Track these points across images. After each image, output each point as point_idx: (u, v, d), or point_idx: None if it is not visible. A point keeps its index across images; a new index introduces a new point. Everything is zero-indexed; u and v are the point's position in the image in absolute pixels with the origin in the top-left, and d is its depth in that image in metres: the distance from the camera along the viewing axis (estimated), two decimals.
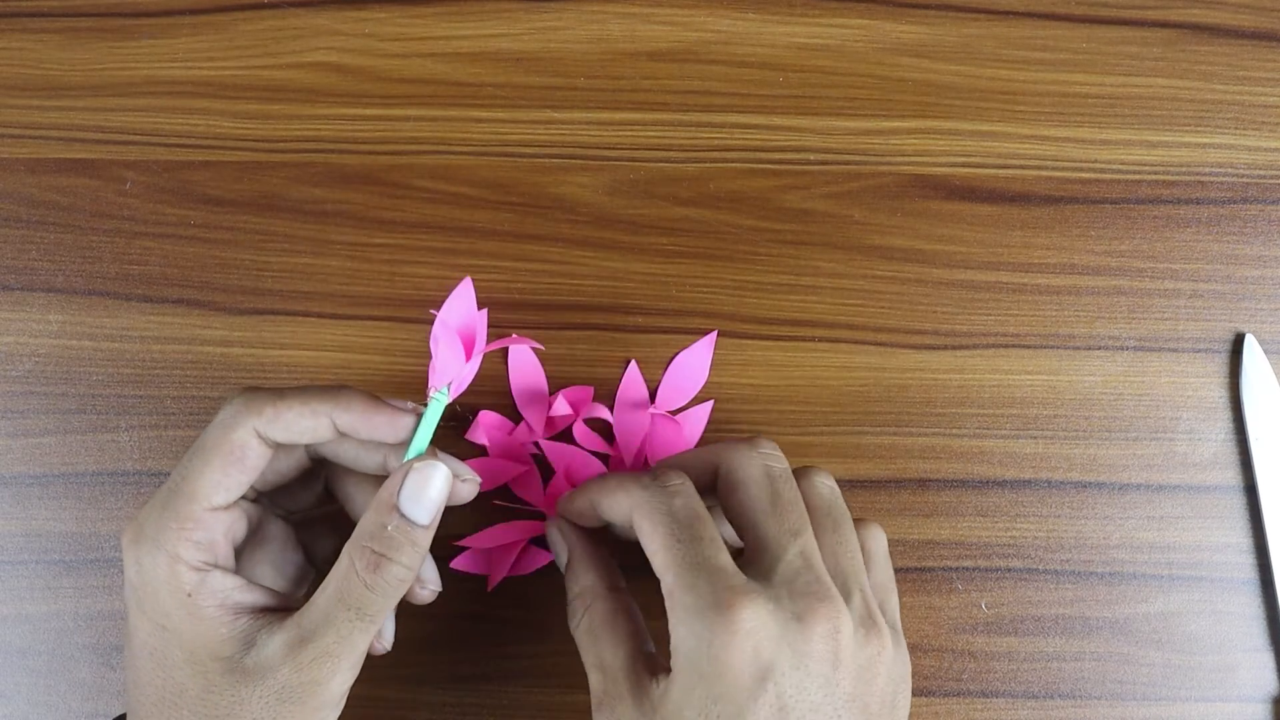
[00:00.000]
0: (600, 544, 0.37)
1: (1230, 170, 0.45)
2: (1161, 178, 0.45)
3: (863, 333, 0.44)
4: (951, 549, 0.43)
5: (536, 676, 0.42)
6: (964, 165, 0.44)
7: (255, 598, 0.34)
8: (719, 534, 0.33)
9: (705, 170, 0.44)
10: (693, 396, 0.43)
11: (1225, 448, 0.43)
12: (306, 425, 0.34)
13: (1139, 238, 0.44)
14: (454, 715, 0.42)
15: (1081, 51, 0.45)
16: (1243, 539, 0.43)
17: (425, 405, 0.36)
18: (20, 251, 0.44)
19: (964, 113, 0.45)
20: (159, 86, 0.45)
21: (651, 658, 0.34)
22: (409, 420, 0.35)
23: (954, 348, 0.44)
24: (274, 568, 0.37)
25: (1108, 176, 0.45)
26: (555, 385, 0.43)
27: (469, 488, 0.36)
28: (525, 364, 0.42)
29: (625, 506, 0.34)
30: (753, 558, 0.33)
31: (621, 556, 0.37)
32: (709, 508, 0.34)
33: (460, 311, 0.41)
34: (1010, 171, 0.44)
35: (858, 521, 0.35)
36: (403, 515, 0.34)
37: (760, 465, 0.34)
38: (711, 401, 0.43)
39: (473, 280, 0.43)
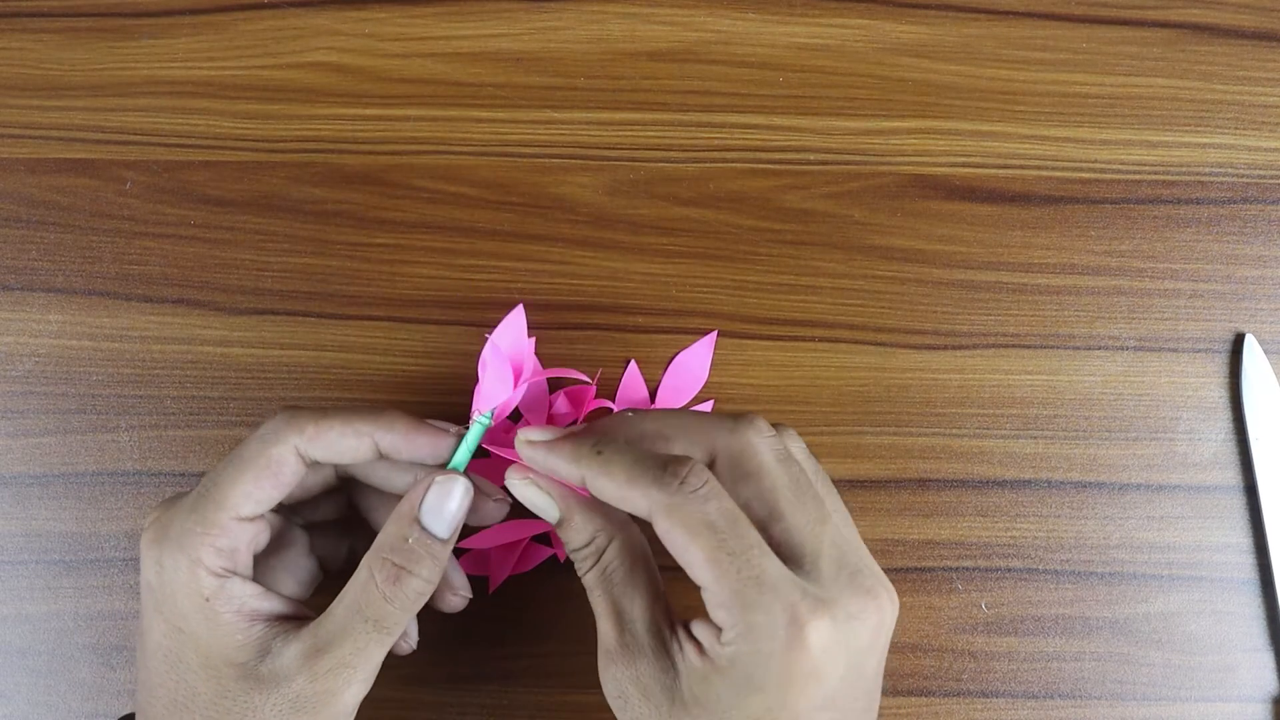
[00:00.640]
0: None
1: (1230, 170, 0.45)
2: (1161, 178, 0.45)
3: (863, 333, 0.44)
4: (951, 549, 0.43)
5: (536, 676, 0.42)
6: (964, 165, 0.44)
7: (272, 605, 0.34)
8: (757, 532, 0.31)
9: (705, 170, 0.44)
10: (693, 396, 0.43)
11: (1225, 448, 0.43)
12: (349, 445, 0.34)
13: (1139, 238, 0.44)
14: (454, 715, 0.42)
15: (1081, 51, 0.45)
16: (1243, 539, 0.43)
17: (464, 426, 0.36)
18: (20, 251, 0.44)
19: (964, 113, 0.45)
20: (159, 86, 0.45)
21: (668, 606, 0.33)
22: (449, 442, 0.35)
23: (954, 348, 0.44)
24: (287, 572, 0.37)
25: (1108, 176, 0.45)
26: (555, 385, 0.43)
27: (499, 507, 0.36)
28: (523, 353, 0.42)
29: (640, 506, 0.31)
30: (785, 552, 0.31)
31: None
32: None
33: (510, 337, 0.40)
34: (1010, 171, 0.44)
35: (777, 425, 0.34)
36: (424, 528, 0.34)
37: (770, 451, 0.33)
38: (711, 401, 0.43)
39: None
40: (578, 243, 0.44)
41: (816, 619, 0.30)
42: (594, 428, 0.35)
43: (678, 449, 0.33)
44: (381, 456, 0.35)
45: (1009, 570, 0.43)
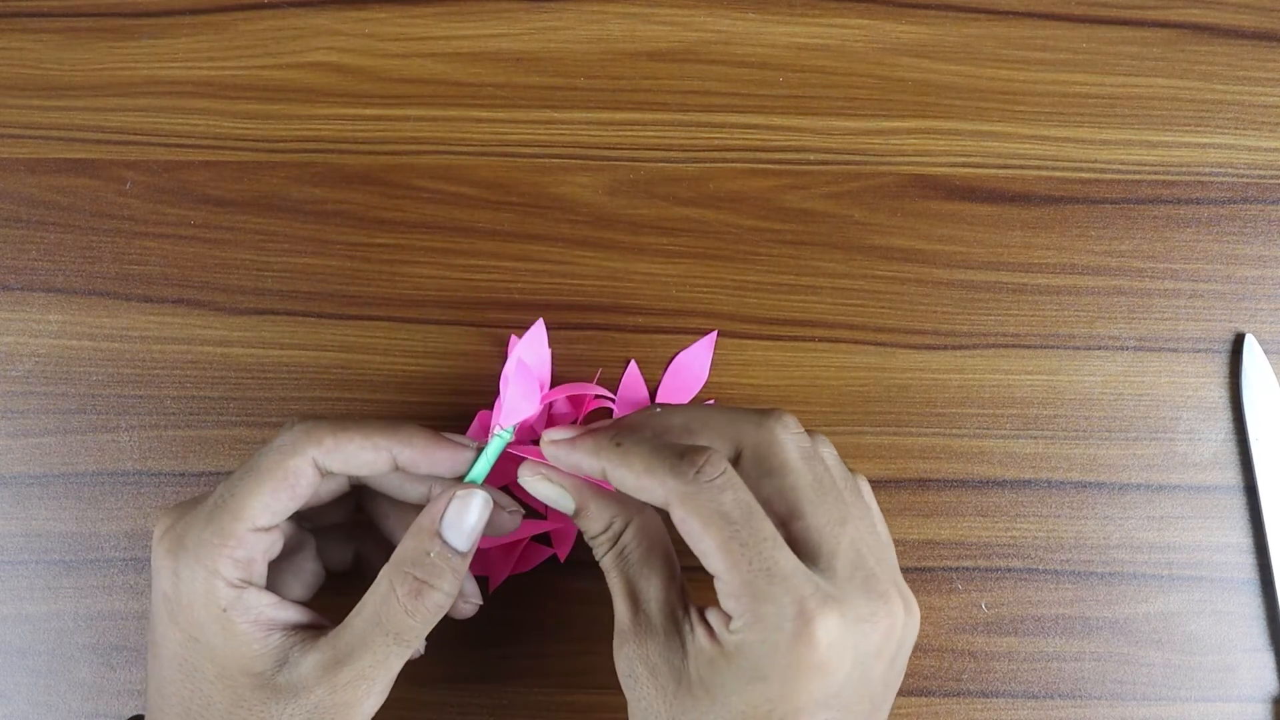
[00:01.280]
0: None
1: (1230, 170, 0.45)
2: (1161, 178, 0.45)
3: (863, 333, 0.44)
4: (951, 549, 0.43)
5: (536, 676, 0.42)
6: (964, 165, 0.44)
7: (288, 615, 0.34)
8: (772, 525, 0.31)
9: (705, 170, 0.44)
10: (693, 396, 0.43)
11: (1225, 448, 0.43)
12: (366, 458, 0.34)
13: (1139, 238, 0.44)
14: (454, 715, 0.42)
15: (1081, 51, 0.45)
16: (1243, 539, 0.43)
17: (477, 440, 0.36)
18: (20, 251, 0.44)
19: (964, 113, 0.45)
20: (159, 86, 0.45)
21: (684, 588, 0.33)
22: (468, 455, 0.35)
23: (954, 348, 0.44)
24: (294, 576, 0.38)
25: (1108, 176, 0.45)
26: (555, 385, 0.43)
27: (513, 519, 0.36)
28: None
29: (658, 495, 0.31)
30: (802, 549, 0.31)
31: None
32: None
33: (533, 352, 0.40)
34: (1010, 171, 0.44)
35: (809, 433, 0.35)
36: (444, 542, 0.34)
37: (795, 447, 0.33)
38: (712, 401, 0.43)
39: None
40: (578, 243, 0.44)
41: (825, 614, 0.30)
42: (618, 423, 0.36)
43: (703, 442, 0.33)
44: (397, 469, 0.35)
45: (1009, 570, 0.43)
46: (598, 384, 0.43)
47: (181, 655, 0.33)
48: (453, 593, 0.34)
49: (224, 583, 0.33)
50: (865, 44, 0.45)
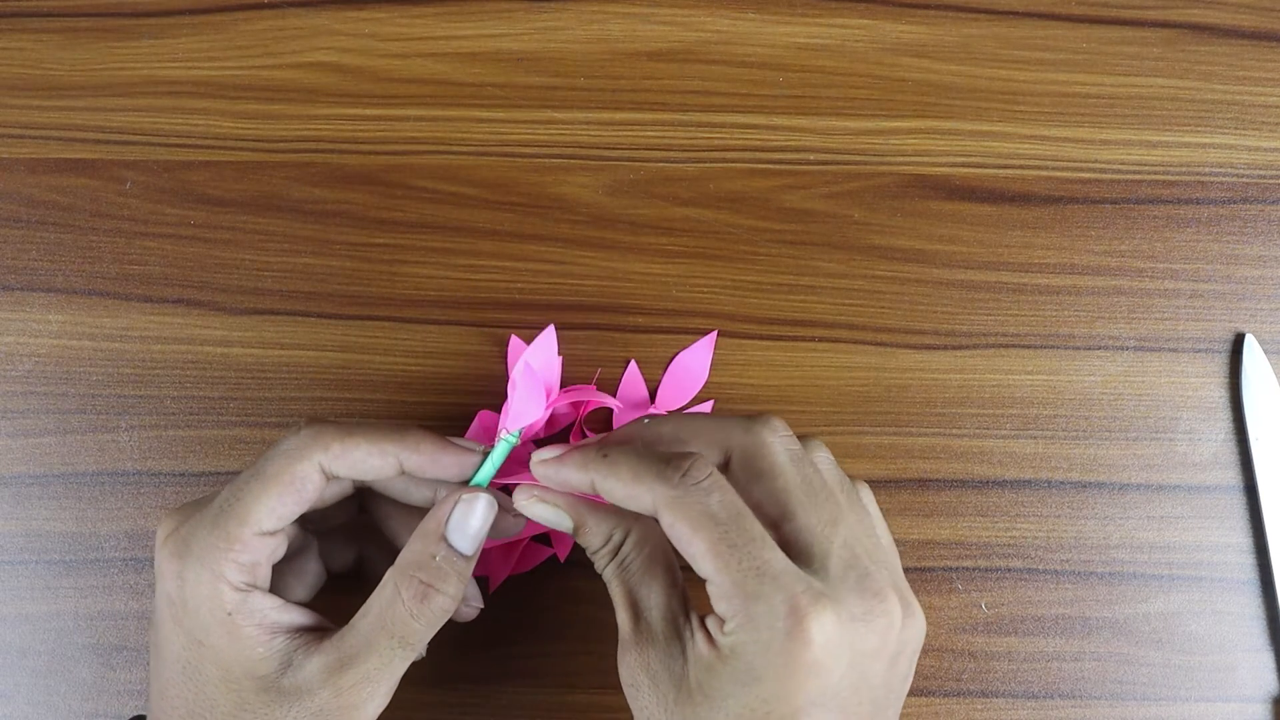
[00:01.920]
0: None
1: (1230, 170, 0.45)
2: (1161, 178, 0.45)
3: (863, 333, 0.44)
4: (951, 549, 0.43)
5: (536, 676, 0.42)
6: (964, 165, 0.44)
7: (292, 618, 0.34)
8: (761, 525, 0.31)
9: (705, 170, 0.44)
10: (693, 396, 0.43)
11: (1225, 448, 0.43)
12: (373, 464, 0.34)
13: (1139, 238, 0.44)
14: (454, 715, 0.42)
15: (1081, 51, 0.45)
16: (1243, 539, 0.43)
17: (482, 443, 0.36)
18: (20, 251, 0.44)
19: (964, 113, 0.45)
20: (159, 86, 0.45)
21: (685, 596, 0.33)
22: (474, 460, 0.35)
23: (954, 348, 0.44)
24: (296, 578, 0.38)
25: (1108, 176, 0.45)
26: (563, 389, 0.43)
27: (518, 522, 0.36)
28: None
29: (646, 502, 0.32)
30: (794, 551, 0.32)
31: None
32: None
33: (542, 358, 0.40)
34: (1010, 171, 0.44)
35: (804, 439, 0.35)
36: (450, 545, 0.34)
37: (783, 450, 0.33)
38: (712, 401, 0.43)
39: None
40: (578, 243, 0.44)
41: (819, 611, 0.30)
42: (606, 437, 0.36)
43: (691, 450, 0.33)
44: (403, 474, 0.35)
45: (1009, 570, 0.43)
46: (597, 383, 0.43)
47: (185, 658, 0.33)
48: (458, 596, 0.34)
49: (229, 586, 0.33)
50: (865, 44, 0.45)
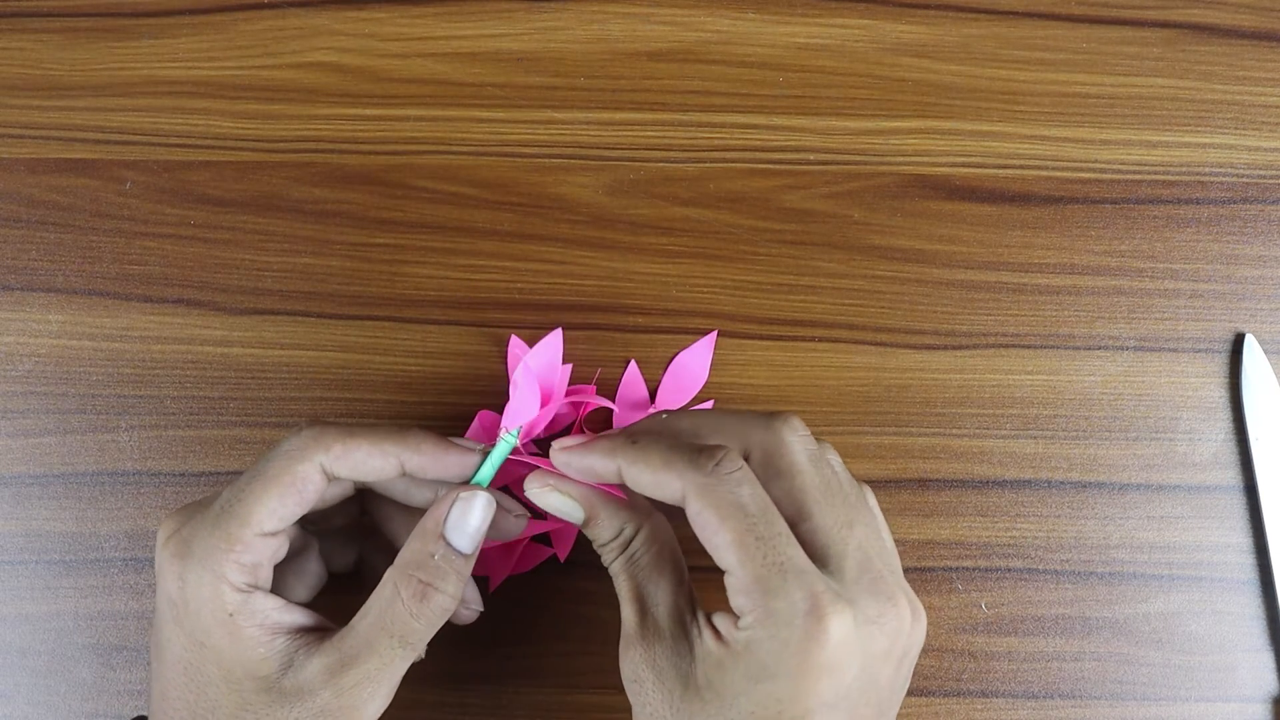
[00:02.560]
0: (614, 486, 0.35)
1: (1230, 170, 0.45)
2: (1161, 178, 0.45)
3: (863, 333, 0.44)
4: (951, 549, 0.43)
5: (536, 676, 0.42)
6: (964, 165, 0.44)
7: (293, 618, 0.34)
8: (785, 523, 0.31)
9: (705, 170, 0.44)
10: (693, 396, 0.43)
11: (1225, 448, 0.43)
12: (375, 465, 0.34)
13: (1139, 238, 0.44)
14: (454, 715, 0.42)
15: (1081, 51, 0.45)
16: (1243, 539, 0.43)
17: (482, 443, 0.36)
18: (20, 251, 0.44)
19: (964, 113, 0.45)
20: (159, 86, 0.45)
21: (692, 593, 0.33)
22: (475, 459, 0.35)
23: (954, 348, 0.44)
24: (296, 577, 0.38)
25: (1108, 176, 0.45)
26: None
27: (519, 523, 0.36)
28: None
29: (674, 489, 0.31)
30: (810, 552, 0.31)
31: None
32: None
33: (545, 359, 0.40)
34: (1010, 171, 0.44)
35: (774, 418, 0.34)
36: (448, 544, 0.34)
37: (803, 450, 0.33)
38: (712, 402, 0.43)
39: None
40: (578, 243, 0.44)
41: (837, 613, 0.30)
42: (627, 430, 0.36)
43: (714, 443, 0.33)
44: (404, 474, 0.35)
45: (1009, 570, 0.43)
46: (597, 383, 0.43)
47: (186, 659, 0.33)
48: (457, 595, 0.34)
49: (230, 587, 0.33)
50: (865, 44, 0.45)
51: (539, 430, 0.42)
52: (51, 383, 0.43)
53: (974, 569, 0.43)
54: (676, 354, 0.43)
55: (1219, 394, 0.44)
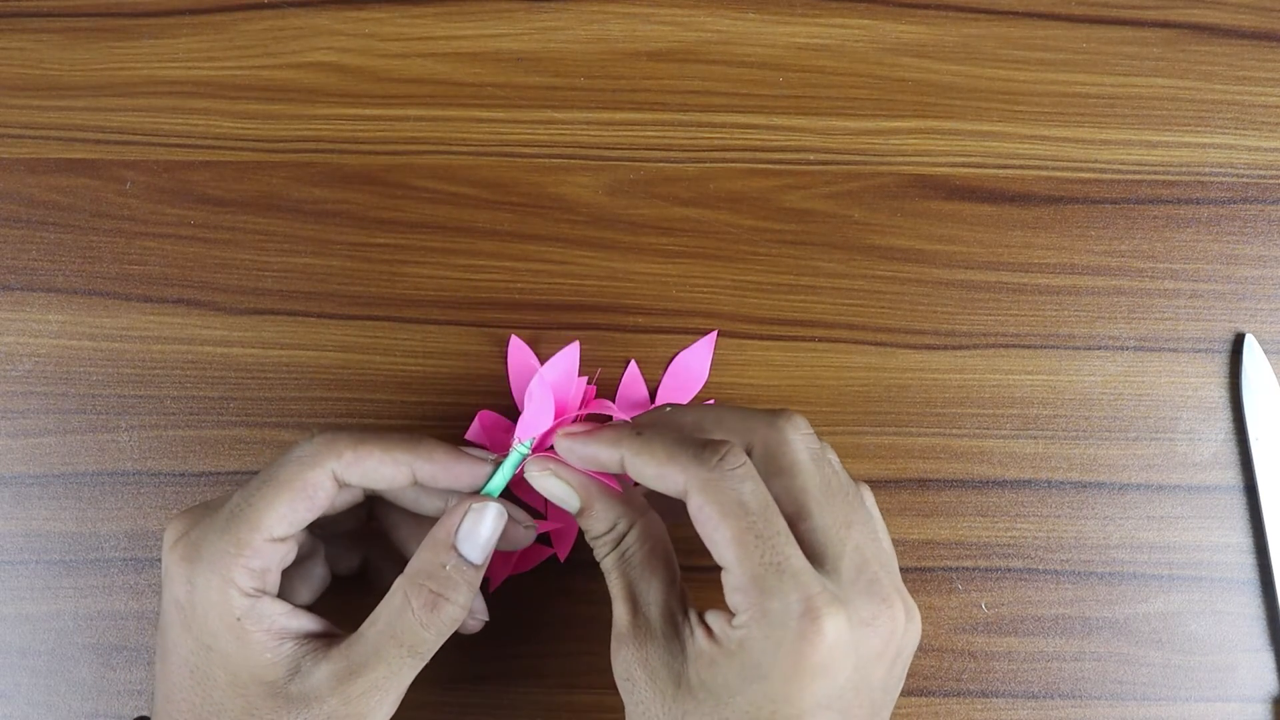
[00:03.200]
0: (611, 477, 0.35)
1: (1230, 170, 0.45)
2: (1161, 178, 0.45)
3: (863, 333, 0.44)
4: (951, 549, 0.43)
5: (536, 676, 0.42)
6: (964, 165, 0.44)
7: (301, 623, 0.34)
8: (785, 522, 0.31)
9: (705, 170, 0.44)
10: (693, 396, 0.43)
11: (1225, 448, 0.43)
12: (386, 473, 0.34)
13: (1139, 238, 0.44)
14: (454, 715, 0.42)
15: (1081, 51, 0.45)
16: (1243, 539, 0.43)
17: (489, 452, 0.36)
18: (20, 251, 0.44)
19: (964, 113, 0.45)
20: (159, 86, 0.45)
21: (684, 593, 0.33)
22: (486, 469, 0.35)
23: (954, 348, 0.44)
24: (302, 580, 0.38)
25: (1108, 176, 0.45)
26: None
27: (528, 534, 0.36)
28: (525, 363, 0.42)
29: (677, 482, 0.32)
30: (808, 551, 0.32)
31: None
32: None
33: (560, 371, 0.40)
34: (1010, 171, 0.44)
35: (777, 416, 0.34)
36: (459, 554, 0.34)
37: (805, 448, 0.33)
38: (712, 401, 0.43)
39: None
40: (578, 243, 0.44)
41: (832, 614, 0.30)
42: (633, 420, 0.36)
43: (719, 432, 0.34)
44: (415, 483, 0.35)
45: (1009, 570, 0.43)
46: (596, 383, 0.43)
47: (193, 662, 0.33)
48: (467, 605, 0.34)
49: (239, 592, 0.32)
50: (865, 44, 0.45)
51: (550, 442, 0.42)
52: (51, 383, 0.43)
53: (974, 569, 0.43)
54: (676, 354, 0.43)
55: (1219, 394, 0.44)
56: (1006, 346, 0.44)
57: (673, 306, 0.44)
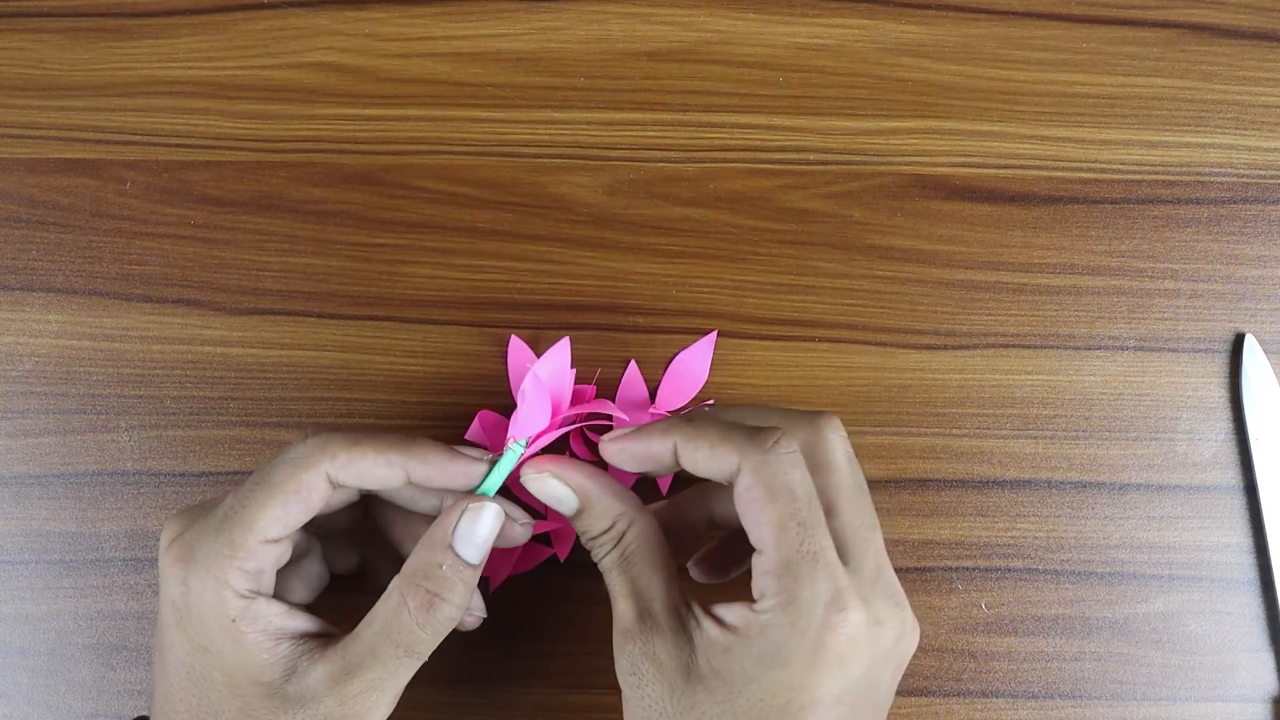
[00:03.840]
0: (609, 474, 0.36)
1: (1230, 170, 0.45)
2: (1161, 178, 0.45)
3: (863, 333, 0.44)
4: (951, 549, 0.43)
5: (536, 676, 0.42)
6: (964, 165, 0.44)
7: (297, 624, 0.34)
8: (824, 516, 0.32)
9: (705, 170, 0.44)
10: (693, 396, 0.43)
11: (1225, 448, 0.43)
12: (380, 474, 0.34)
13: (1139, 238, 0.44)
14: (454, 715, 0.42)
15: (1081, 51, 0.45)
16: (1243, 539, 0.43)
17: (484, 450, 0.36)
18: (20, 251, 0.44)
19: (964, 113, 0.45)
20: (159, 86, 0.45)
21: (684, 589, 0.33)
22: (481, 469, 0.35)
23: (954, 348, 0.44)
24: (299, 580, 0.38)
25: (1108, 176, 0.45)
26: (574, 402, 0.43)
27: (524, 531, 0.36)
28: (525, 363, 0.42)
29: (730, 463, 0.32)
30: (835, 545, 0.32)
31: None
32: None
33: (553, 369, 0.40)
34: (1010, 171, 0.44)
35: (821, 414, 0.35)
36: (456, 554, 0.34)
37: (842, 449, 0.34)
38: (712, 401, 0.43)
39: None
40: (578, 243, 0.44)
41: (856, 609, 0.30)
42: (681, 414, 0.37)
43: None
44: (410, 483, 0.35)
45: (1009, 570, 0.43)
46: (596, 383, 0.43)
47: (189, 663, 0.33)
48: (464, 605, 0.34)
49: (233, 593, 0.32)
50: (865, 44, 0.45)
51: (548, 440, 0.42)
52: (51, 383, 0.43)
53: (974, 569, 0.43)
54: (676, 354, 0.43)
55: (1219, 394, 0.44)
56: (1006, 346, 0.44)
57: (673, 306, 0.44)
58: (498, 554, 0.41)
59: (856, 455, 0.43)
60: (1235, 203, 0.44)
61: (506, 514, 0.35)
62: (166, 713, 0.34)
